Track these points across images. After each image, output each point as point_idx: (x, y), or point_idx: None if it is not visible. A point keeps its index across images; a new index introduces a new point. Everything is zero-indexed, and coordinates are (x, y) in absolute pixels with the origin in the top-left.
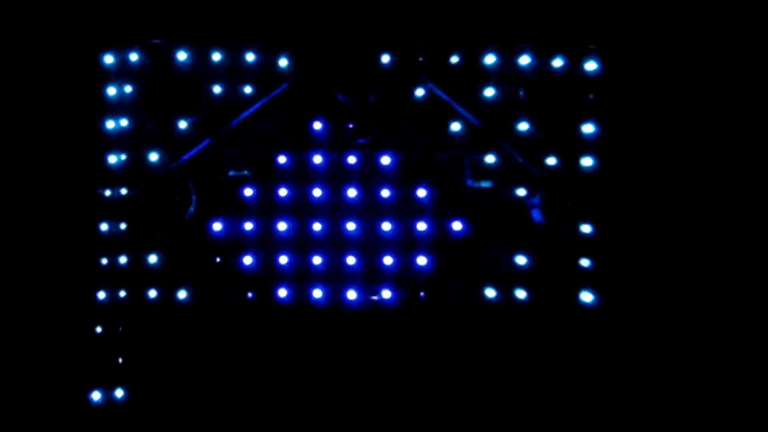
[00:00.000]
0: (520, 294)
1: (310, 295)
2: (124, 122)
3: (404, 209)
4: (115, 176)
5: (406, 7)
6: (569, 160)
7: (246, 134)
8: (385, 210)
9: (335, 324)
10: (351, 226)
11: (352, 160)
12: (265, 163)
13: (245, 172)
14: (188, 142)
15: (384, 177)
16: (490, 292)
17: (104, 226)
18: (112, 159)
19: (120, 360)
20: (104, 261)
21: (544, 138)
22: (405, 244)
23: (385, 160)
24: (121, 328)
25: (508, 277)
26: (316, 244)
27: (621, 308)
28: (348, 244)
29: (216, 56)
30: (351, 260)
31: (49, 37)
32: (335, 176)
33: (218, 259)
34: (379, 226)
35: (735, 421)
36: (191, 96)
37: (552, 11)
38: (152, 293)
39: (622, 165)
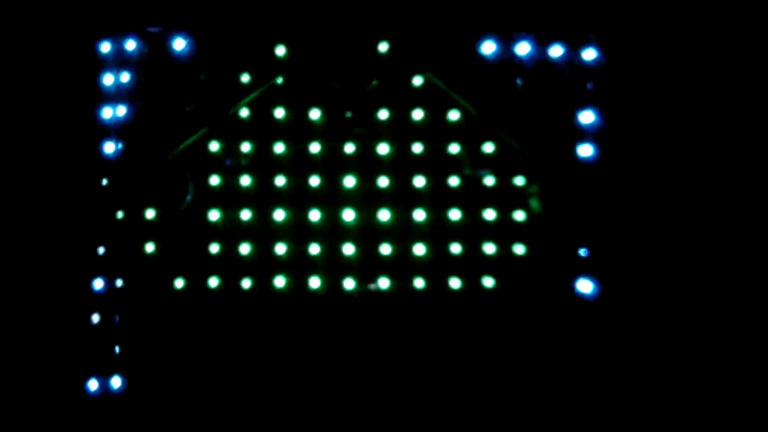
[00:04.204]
0: (517, 283)
1: (307, 283)
2: (120, 111)
3: (402, 198)
4: (111, 165)
5: None
6: (567, 149)
7: (242, 123)
8: (383, 199)
9: (332, 312)
10: (349, 215)
11: (349, 149)
12: (261, 152)
13: (242, 161)
14: (185, 130)
15: (382, 166)
16: (488, 281)
17: (101, 216)
18: (108, 148)
19: (117, 349)
20: (101, 250)
21: (542, 127)
22: (403, 233)
23: (383, 149)
24: (117, 318)
25: (505, 266)
26: (313, 233)
27: (619, 299)
28: (345, 233)
29: (213, 44)
30: (349, 249)
31: (45, 26)
32: (333, 165)
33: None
34: (376, 215)
35: (739, 418)
36: (188, 84)
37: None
38: (149, 282)
39: (620, 154)
